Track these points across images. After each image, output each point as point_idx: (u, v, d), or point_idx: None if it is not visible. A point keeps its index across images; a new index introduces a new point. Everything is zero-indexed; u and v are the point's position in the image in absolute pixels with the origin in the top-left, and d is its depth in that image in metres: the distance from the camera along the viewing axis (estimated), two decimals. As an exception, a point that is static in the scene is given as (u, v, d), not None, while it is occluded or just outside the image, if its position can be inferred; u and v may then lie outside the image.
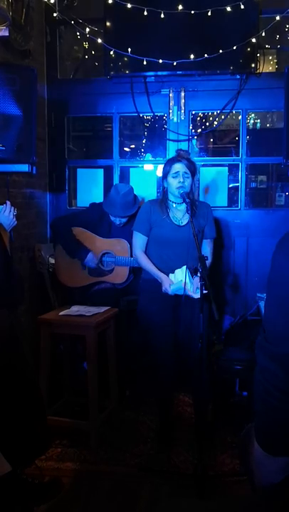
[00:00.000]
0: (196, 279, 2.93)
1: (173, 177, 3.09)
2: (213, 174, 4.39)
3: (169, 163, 3.15)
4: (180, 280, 2.95)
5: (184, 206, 3.09)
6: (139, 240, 3.21)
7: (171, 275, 3.03)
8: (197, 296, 2.83)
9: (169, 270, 3.08)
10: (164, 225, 3.14)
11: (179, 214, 3.15)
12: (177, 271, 3.01)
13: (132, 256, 3.67)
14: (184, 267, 2.96)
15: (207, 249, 3.26)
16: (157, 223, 3.15)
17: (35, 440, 2.51)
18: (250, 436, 1.08)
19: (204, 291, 2.72)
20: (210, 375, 3.30)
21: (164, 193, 3.23)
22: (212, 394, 3.46)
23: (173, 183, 3.08)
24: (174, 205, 3.16)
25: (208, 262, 3.17)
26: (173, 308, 3.12)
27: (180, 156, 3.14)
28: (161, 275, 3.07)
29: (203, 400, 3.23)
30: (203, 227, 3.22)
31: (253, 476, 1.09)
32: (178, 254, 3.05)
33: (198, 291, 2.80)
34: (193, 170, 3.11)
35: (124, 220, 3.75)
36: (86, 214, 3.88)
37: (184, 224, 3.12)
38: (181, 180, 3.06)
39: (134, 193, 3.77)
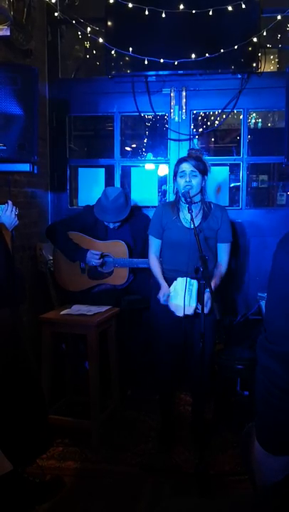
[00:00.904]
0: (207, 295, 2.92)
1: (180, 177, 3.08)
2: (215, 173, 4.38)
3: (177, 164, 3.14)
4: (177, 302, 2.96)
5: (194, 206, 3.08)
6: (153, 243, 3.25)
7: (172, 285, 3.04)
8: (201, 311, 2.82)
9: (180, 273, 3.08)
10: (174, 227, 3.13)
11: (190, 216, 3.14)
12: (178, 282, 3.00)
13: (130, 257, 3.68)
14: (185, 278, 2.94)
15: (223, 253, 3.23)
16: (168, 225, 3.16)
17: (37, 439, 2.52)
18: (251, 436, 1.08)
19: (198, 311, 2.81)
20: (210, 375, 3.30)
21: (176, 194, 3.22)
22: (212, 393, 3.46)
23: (180, 182, 3.08)
24: (185, 206, 3.15)
25: (224, 265, 3.21)
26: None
27: (189, 156, 3.14)
28: (162, 283, 3.11)
29: (202, 399, 3.24)
30: (216, 230, 3.18)
31: (254, 475, 1.09)
32: (188, 257, 3.04)
33: (209, 305, 2.91)
34: (202, 169, 3.08)
35: (118, 223, 3.74)
36: (81, 218, 3.86)
37: (196, 224, 3.11)
38: (188, 179, 3.04)
39: (126, 195, 3.75)
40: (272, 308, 1.00)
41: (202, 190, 3.13)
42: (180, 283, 2.99)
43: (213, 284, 3.11)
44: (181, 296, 2.95)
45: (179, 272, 3.08)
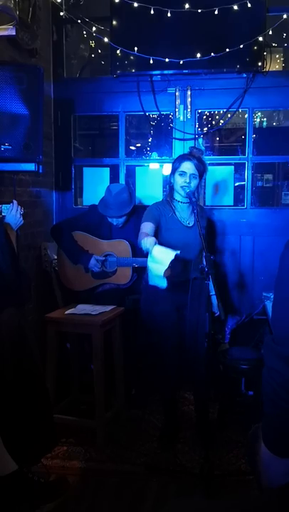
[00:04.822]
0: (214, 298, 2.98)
1: (179, 175, 3.06)
2: (220, 173, 4.38)
3: (178, 160, 3.11)
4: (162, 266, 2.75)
5: (188, 207, 3.07)
6: (147, 226, 3.07)
7: (158, 247, 2.82)
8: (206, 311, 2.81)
9: (181, 275, 3.06)
10: (173, 227, 3.11)
11: (185, 214, 3.13)
12: (167, 251, 2.79)
13: (133, 256, 3.67)
14: (174, 253, 2.75)
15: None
16: (168, 225, 3.12)
17: (42, 438, 2.52)
18: (257, 437, 1.08)
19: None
20: (208, 372, 3.29)
21: (170, 190, 3.19)
22: (216, 393, 3.46)
23: (178, 181, 3.06)
24: (180, 204, 3.14)
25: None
26: (177, 308, 3.11)
27: (191, 155, 3.11)
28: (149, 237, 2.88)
29: (203, 398, 3.24)
30: (204, 228, 3.20)
31: (260, 477, 1.09)
32: (190, 257, 3.03)
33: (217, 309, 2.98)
34: (202, 171, 3.08)
35: (121, 220, 3.72)
36: (86, 217, 3.86)
37: (191, 225, 3.10)
38: (188, 180, 3.03)
39: (130, 191, 3.73)
40: (280, 310, 1.00)
41: (196, 191, 3.12)
42: (168, 255, 2.79)
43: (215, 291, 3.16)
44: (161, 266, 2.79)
45: (180, 275, 3.07)
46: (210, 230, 3.25)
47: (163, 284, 2.82)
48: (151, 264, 2.83)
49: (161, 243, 3.11)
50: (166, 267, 2.72)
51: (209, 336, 2.81)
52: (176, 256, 2.74)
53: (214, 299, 3.02)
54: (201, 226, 3.10)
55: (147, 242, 2.80)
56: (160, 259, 2.76)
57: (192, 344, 3.16)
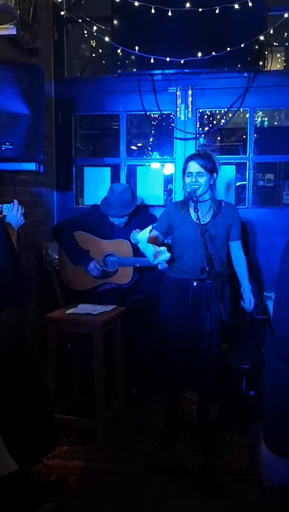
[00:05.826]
0: (248, 294, 3.31)
1: (187, 176, 3.08)
2: (221, 173, 4.36)
3: (185, 162, 3.13)
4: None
5: (204, 205, 3.08)
6: (152, 232, 3.16)
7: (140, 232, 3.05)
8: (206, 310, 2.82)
9: (192, 270, 3.05)
10: (186, 223, 3.12)
11: (200, 212, 3.13)
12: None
13: (134, 256, 3.67)
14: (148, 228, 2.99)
15: (239, 251, 3.30)
16: (179, 222, 3.14)
17: (43, 438, 2.52)
18: (258, 437, 1.07)
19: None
20: (216, 375, 3.29)
21: (185, 191, 3.22)
22: (217, 393, 3.45)
23: (187, 181, 3.08)
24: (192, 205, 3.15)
25: (245, 263, 3.34)
26: (191, 307, 3.11)
27: (197, 154, 3.12)
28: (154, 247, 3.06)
29: (208, 399, 3.23)
30: (228, 228, 3.19)
31: (261, 476, 1.09)
32: (201, 253, 3.03)
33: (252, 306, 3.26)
34: (210, 168, 3.07)
35: (123, 220, 3.71)
36: (88, 217, 3.85)
37: (205, 222, 3.10)
38: (194, 180, 3.03)
39: (132, 191, 3.73)
40: (281, 310, 0.99)
41: (211, 188, 3.11)
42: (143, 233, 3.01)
43: (247, 284, 3.34)
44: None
45: (191, 270, 3.05)
46: (239, 227, 3.27)
47: (165, 257, 3.00)
48: (142, 247, 3.06)
49: (175, 240, 3.22)
50: (152, 249, 2.96)
51: (210, 337, 2.81)
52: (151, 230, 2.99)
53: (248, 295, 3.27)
54: (225, 225, 3.14)
55: (135, 235, 3.11)
56: (140, 239, 3.02)
57: (195, 343, 3.16)
